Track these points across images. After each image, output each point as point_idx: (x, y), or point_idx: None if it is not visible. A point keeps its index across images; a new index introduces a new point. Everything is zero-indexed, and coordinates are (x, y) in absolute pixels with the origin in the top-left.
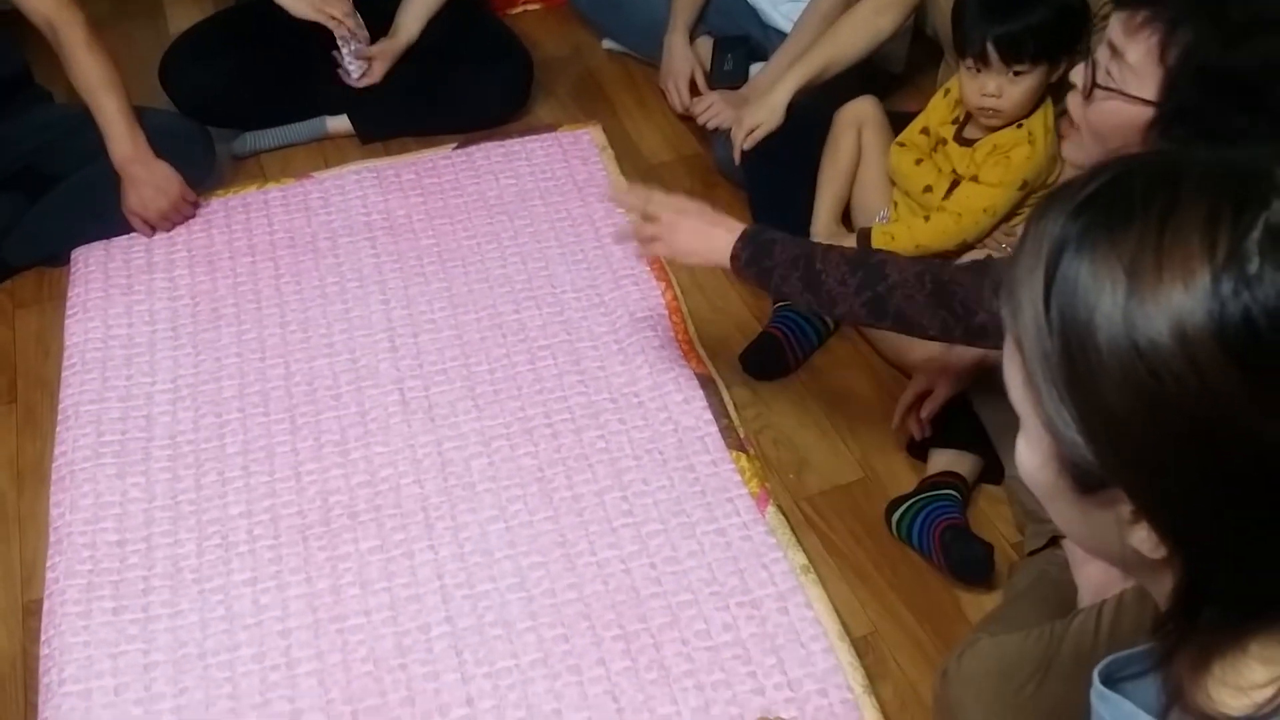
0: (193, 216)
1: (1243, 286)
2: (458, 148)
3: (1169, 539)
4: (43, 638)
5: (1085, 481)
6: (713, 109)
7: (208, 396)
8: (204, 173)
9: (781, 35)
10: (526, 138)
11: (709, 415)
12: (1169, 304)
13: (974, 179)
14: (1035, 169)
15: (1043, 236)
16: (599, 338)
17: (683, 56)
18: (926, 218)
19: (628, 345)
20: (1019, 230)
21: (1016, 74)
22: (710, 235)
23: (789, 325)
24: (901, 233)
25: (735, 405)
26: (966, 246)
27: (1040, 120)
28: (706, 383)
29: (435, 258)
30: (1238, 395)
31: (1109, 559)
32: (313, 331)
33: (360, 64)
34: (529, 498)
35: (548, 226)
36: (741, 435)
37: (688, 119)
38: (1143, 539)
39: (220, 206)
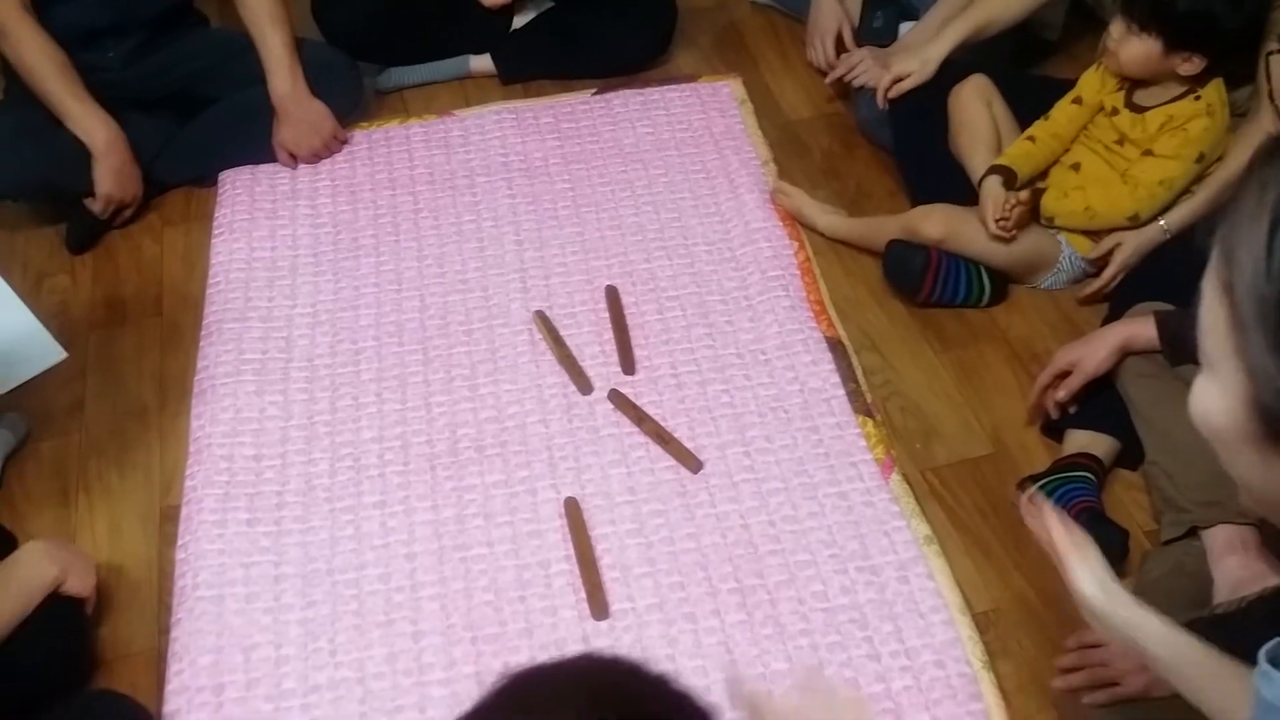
0: (338, 152)
1: None
2: (597, 93)
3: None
4: (179, 542)
5: (1278, 428)
6: (861, 66)
7: (345, 323)
8: (351, 105)
9: None
10: (665, 86)
11: (836, 378)
12: None
13: (1148, 152)
14: (1213, 141)
15: (1268, 182)
16: (728, 292)
17: (831, 11)
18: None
19: (757, 302)
20: None
21: (1131, 31)
22: None
23: (948, 260)
24: (1076, 196)
25: (864, 370)
26: (1139, 221)
27: (1215, 92)
28: (835, 345)
29: (569, 202)
30: None
31: None
32: (448, 267)
33: None
34: (650, 445)
35: (682, 177)
36: (869, 400)
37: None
38: None
39: (363, 139)
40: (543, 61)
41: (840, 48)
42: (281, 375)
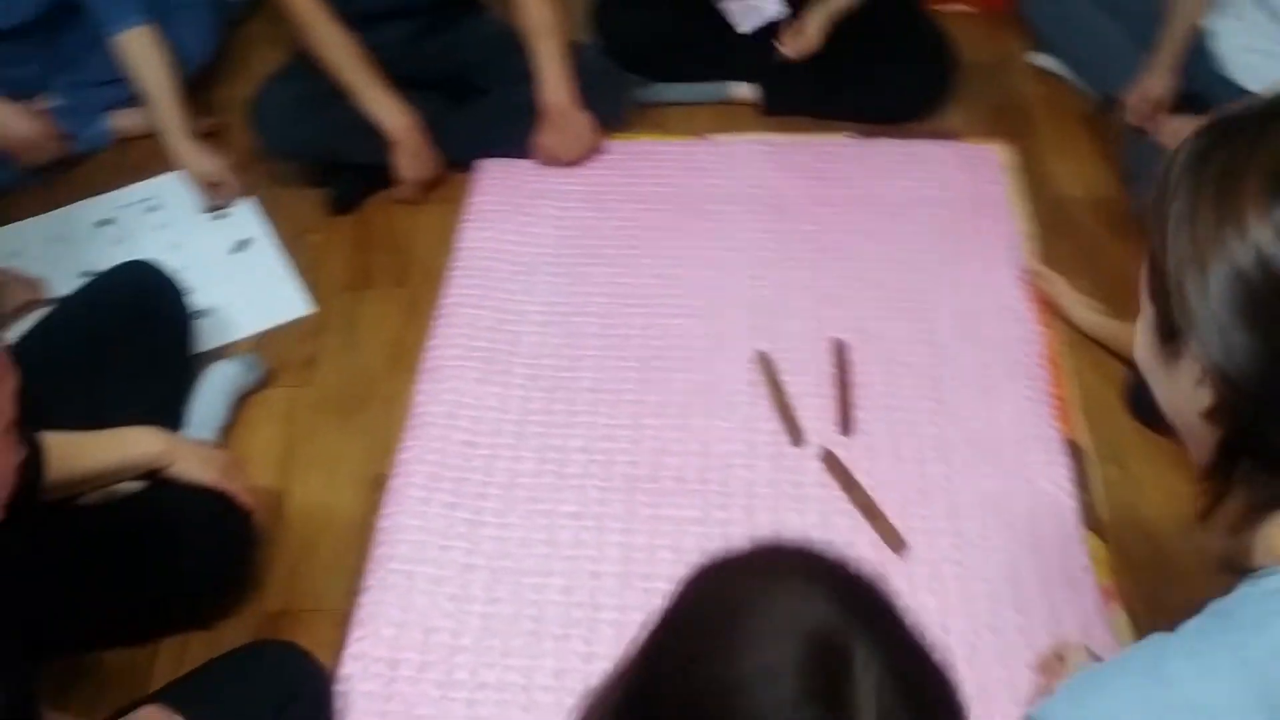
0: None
1: None
2: (856, 137)
3: (1220, 390)
4: (383, 511)
5: (1167, 333)
6: (1180, 130)
7: (573, 328)
8: (614, 117)
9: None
10: (929, 141)
11: (1069, 486)
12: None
13: None
14: None
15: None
16: (965, 370)
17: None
18: None
19: (995, 387)
20: None
21: None
22: None
23: None
24: None
25: (1102, 483)
26: None
27: None
28: (1074, 450)
29: (812, 245)
30: None
31: (1184, 427)
32: (680, 290)
33: (752, 11)
34: (855, 515)
35: (933, 239)
36: (1102, 517)
37: (1111, 158)
38: (1204, 396)
39: (619, 149)
40: (809, 99)
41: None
42: (505, 368)
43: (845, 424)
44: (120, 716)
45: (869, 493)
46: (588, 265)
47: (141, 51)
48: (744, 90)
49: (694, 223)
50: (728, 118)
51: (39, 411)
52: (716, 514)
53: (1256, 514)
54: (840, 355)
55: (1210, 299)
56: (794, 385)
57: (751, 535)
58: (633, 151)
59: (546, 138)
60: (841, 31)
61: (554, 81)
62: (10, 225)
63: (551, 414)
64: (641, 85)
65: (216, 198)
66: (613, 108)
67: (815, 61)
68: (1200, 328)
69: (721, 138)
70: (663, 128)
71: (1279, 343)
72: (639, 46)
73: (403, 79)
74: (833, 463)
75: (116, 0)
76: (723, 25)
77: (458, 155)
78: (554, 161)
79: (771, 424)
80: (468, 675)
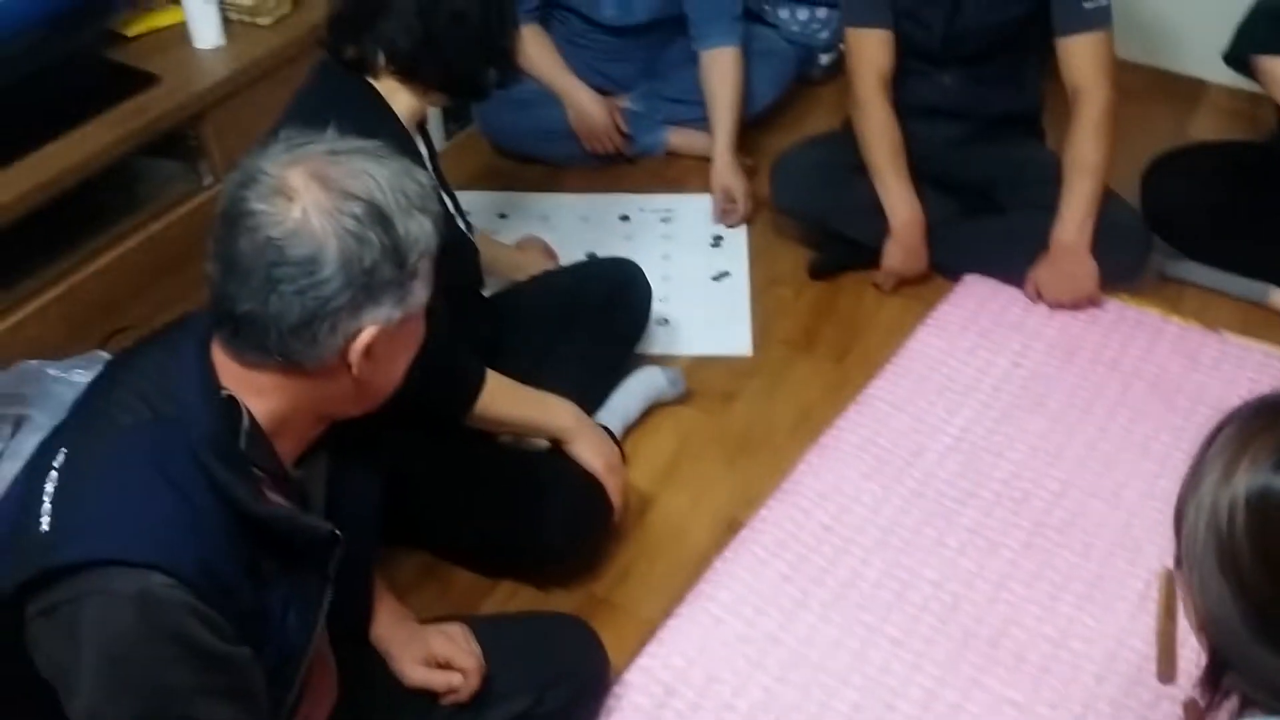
0: (1080, 310)
1: None
2: None
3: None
4: (724, 553)
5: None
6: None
7: (980, 464)
8: (1125, 278)
9: None
10: None
11: None
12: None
13: None
14: None
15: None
16: None
17: None
18: None
19: None
20: None
21: None
22: None
23: None
24: None
25: None
26: None
27: None
28: None
29: None
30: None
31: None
32: (1109, 471)
33: None
34: None
35: None
36: None
37: None
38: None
39: (1116, 310)
40: None
41: None
42: (895, 474)
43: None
44: (436, 621)
45: None
46: (1025, 411)
47: (723, 67)
48: None
49: (1160, 411)
50: (1256, 320)
51: (496, 349)
52: (1040, 708)
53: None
54: None
55: (1189, 539)
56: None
57: None
58: (1129, 318)
59: (1043, 273)
60: None
61: (1072, 220)
62: (554, 194)
63: (919, 535)
64: (1172, 256)
65: (727, 217)
66: (1126, 268)
67: None
68: (1184, 561)
69: (1236, 339)
70: (1175, 306)
71: (1247, 595)
72: (1183, 220)
73: (929, 175)
74: (1193, 715)
75: (717, 18)
76: None
77: (950, 263)
78: (1042, 299)
79: (1145, 646)
80: None
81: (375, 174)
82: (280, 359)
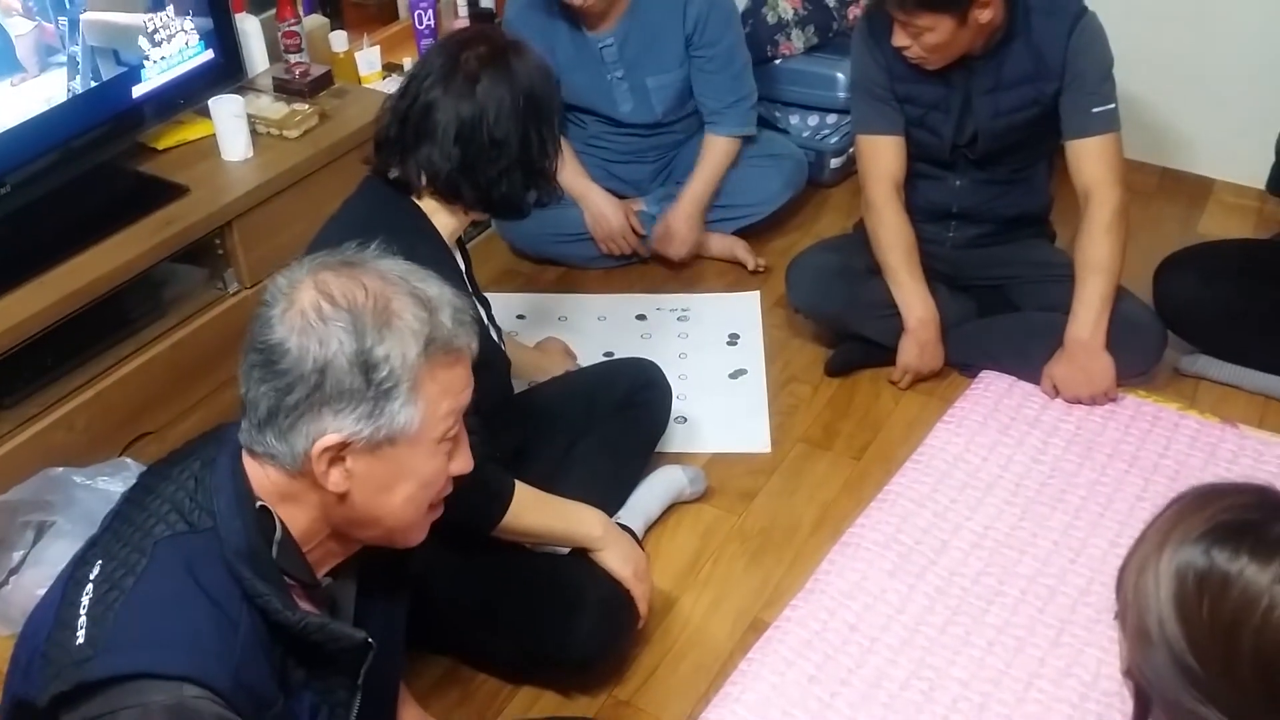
0: (1098, 405)
1: None
2: None
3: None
4: (749, 654)
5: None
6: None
7: (1004, 562)
8: (1138, 372)
9: None
10: None
11: None
12: None
13: None
14: None
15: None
16: None
17: None
18: None
19: None
20: None
21: None
22: None
23: None
24: None
25: None
26: None
27: None
28: None
29: None
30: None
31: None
32: None
33: None
34: None
35: None
36: None
37: None
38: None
39: (1133, 406)
40: None
41: None
42: (919, 572)
43: None
44: None
45: None
46: (1047, 507)
47: (720, 147)
48: None
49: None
50: (1272, 413)
51: (521, 458)
52: None
53: None
54: None
55: (1124, 596)
56: None
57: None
58: (1146, 413)
59: (1060, 369)
60: None
61: (1086, 318)
62: (572, 294)
63: (944, 634)
64: (1187, 352)
65: (639, 246)
66: (1141, 363)
67: None
68: (1121, 615)
69: (1254, 432)
70: (1191, 401)
71: (1169, 647)
72: (1196, 316)
73: (942, 275)
74: None
75: (723, 110)
76: None
77: (966, 359)
78: (1060, 395)
79: None
80: None
81: (374, 288)
82: (266, 456)
